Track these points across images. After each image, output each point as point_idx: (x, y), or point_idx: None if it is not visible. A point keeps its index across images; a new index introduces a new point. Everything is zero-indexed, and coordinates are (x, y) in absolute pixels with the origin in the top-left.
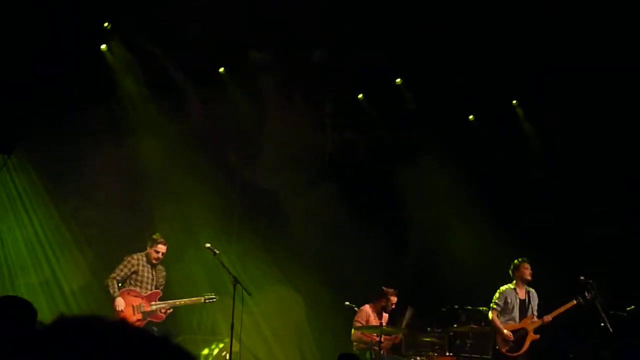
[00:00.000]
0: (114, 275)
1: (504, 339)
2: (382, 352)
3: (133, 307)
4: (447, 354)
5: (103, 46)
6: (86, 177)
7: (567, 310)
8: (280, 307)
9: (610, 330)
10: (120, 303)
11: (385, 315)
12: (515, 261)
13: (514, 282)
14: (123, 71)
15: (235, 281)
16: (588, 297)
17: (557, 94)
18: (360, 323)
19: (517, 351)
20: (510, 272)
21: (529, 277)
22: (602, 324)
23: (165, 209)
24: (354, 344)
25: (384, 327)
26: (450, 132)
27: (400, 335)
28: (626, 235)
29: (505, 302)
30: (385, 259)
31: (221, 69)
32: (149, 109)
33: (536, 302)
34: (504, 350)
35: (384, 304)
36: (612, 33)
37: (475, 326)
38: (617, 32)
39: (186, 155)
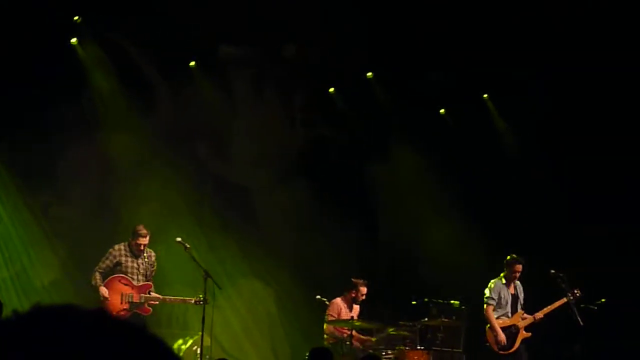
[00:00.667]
0: (97, 267)
1: (497, 338)
2: (353, 346)
3: (122, 294)
4: (418, 347)
5: (73, 40)
6: (57, 173)
7: (557, 308)
8: (252, 302)
9: (581, 323)
10: (104, 291)
11: (356, 307)
12: (509, 257)
13: (503, 275)
14: (93, 66)
15: (207, 275)
16: (578, 295)
17: (528, 89)
18: (332, 316)
19: (509, 349)
20: (504, 265)
21: (516, 276)
22: (574, 318)
23: (137, 204)
24: (326, 337)
25: (356, 322)
26: (422, 126)
27: (372, 340)
28: (597, 229)
29: (499, 297)
30: (357, 253)
31: (192, 63)
32: (119, 104)
33: (522, 295)
34: (495, 348)
35: (354, 295)
36: (585, 32)
37: (446, 319)
38: (590, 30)
39: (157, 150)
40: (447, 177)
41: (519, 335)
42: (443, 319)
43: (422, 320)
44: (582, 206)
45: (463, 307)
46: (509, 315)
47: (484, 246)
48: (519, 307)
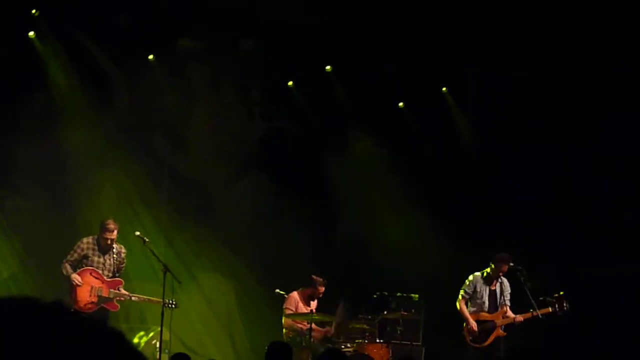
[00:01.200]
0: (65, 260)
1: (470, 328)
2: (312, 339)
3: (92, 287)
4: (378, 340)
5: (31, 33)
6: (13, 167)
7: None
8: (211, 296)
9: (540, 316)
10: (77, 278)
11: (314, 303)
12: (498, 255)
13: (487, 270)
14: (51, 60)
15: (165, 269)
16: (565, 308)
17: (486, 81)
18: (290, 310)
19: (481, 343)
20: (491, 260)
21: (501, 274)
22: (531, 310)
23: (94, 198)
24: (285, 331)
25: (315, 315)
26: (381, 120)
27: (332, 329)
28: (556, 221)
29: (474, 291)
30: (316, 247)
31: (150, 56)
32: (77, 98)
33: (508, 291)
34: (467, 339)
35: (311, 292)
36: (544, 23)
37: (405, 313)
38: (550, 21)
39: (115, 144)
40: (406, 171)
41: (494, 333)
42: (402, 313)
43: (382, 313)
44: (543, 198)
45: (422, 300)
46: (485, 310)
47: (443, 239)
48: (501, 304)
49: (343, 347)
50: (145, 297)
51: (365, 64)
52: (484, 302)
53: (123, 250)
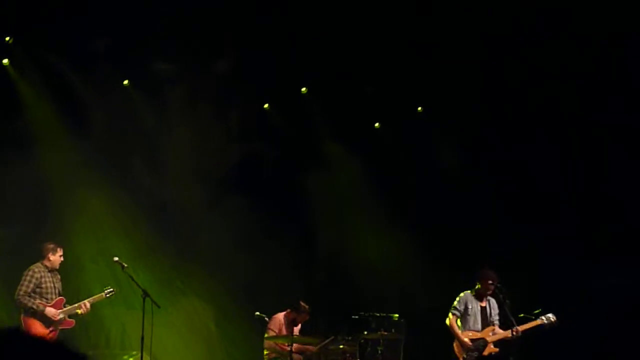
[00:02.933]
0: (23, 291)
1: (463, 346)
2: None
3: (43, 321)
4: None
5: (5, 61)
6: None
7: (532, 329)
8: (190, 319)
9: (519, 334)
10: (54, 312)
11: (297, 328)
12: (483, 271)
13: (476, 288)
14: (26, 86)
15: (145, 294)
16: (554, 321)
17: (460, 99)
18: (273, 331)
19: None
20: (477, 277)
21: (489, 291)
22: (510, 328)
23: (71, 223)
24: (267, 353)
25: (296, 337)
26: (358, 140)
27: (313, 349)
28: (535, 236)
29: (466, 308)
30: (295, 268)
31: (125, 82)
32: (53, 123)
33: (496, 311)
34: (462, 357)
35: (295, 317)
36: (514, 39)
37: (385, 333)
38: (521, 34)
39: (92, 168)
40: (383, 190)
41: (486, 349)
42: (382, 332)
43: (362, 334)
44: (519, 214)
45: (402, 320)
46: (478, 328)
47: (423, 258)
48: (491, 322)
49: None
50: (86, 300)
51: (341, 85)
52: (477, 321)
53: (58, 274)
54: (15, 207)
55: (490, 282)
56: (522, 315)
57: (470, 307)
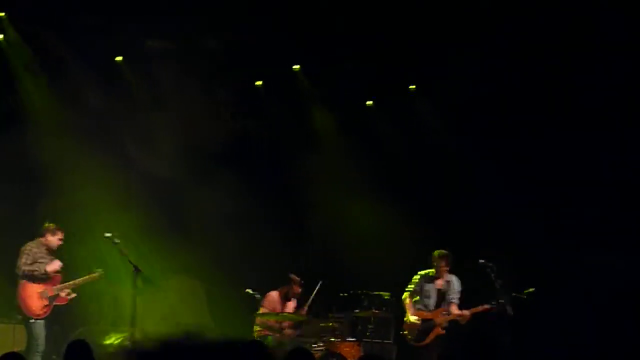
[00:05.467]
0: (23, 267)
1: (410, 325)
2: (284, 337)
3: (39, 293)
4: (349, 339)
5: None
6: None
7: (481, 312)
8: (182, 296)
9: (511, 313)
10: (55, 265)
11: (290, 303)
12: (435, 253)
13: (432, 269)
14: (19, 61)
15: (136, 270)
16: (501, 303)
17: (454, 78)
18: (265, 310)
19: (420, 342)
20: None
21: (443, 271)
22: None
23: (62, 201)
24: (257, 329)
25: (285, 314)
26: (350, 118)
27: (305, 308)
28: (525, 217)
29: (422, 288)
30: (287, 246)
31: (118, 58)
32: (46, 99)
33: (455, 289)
34: (408, 337)
35: (287, 290)
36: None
37: (376, 311)
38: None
39: (84, 146)
40: (375, 169)
41: (434, 331)
42: (374, 311)
43: (353, 311)
44: (510, 192)
45: (393, 298)
46: (430, 308)
47: (414, 237)
48: (446, 304)
49: (315, 346)
50: (80, 279)
51: (333, 63)
52: (430, 301)
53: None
54: (8, 185)
55: (442, 262)
56: (514, 294)
57: (426, 288)
